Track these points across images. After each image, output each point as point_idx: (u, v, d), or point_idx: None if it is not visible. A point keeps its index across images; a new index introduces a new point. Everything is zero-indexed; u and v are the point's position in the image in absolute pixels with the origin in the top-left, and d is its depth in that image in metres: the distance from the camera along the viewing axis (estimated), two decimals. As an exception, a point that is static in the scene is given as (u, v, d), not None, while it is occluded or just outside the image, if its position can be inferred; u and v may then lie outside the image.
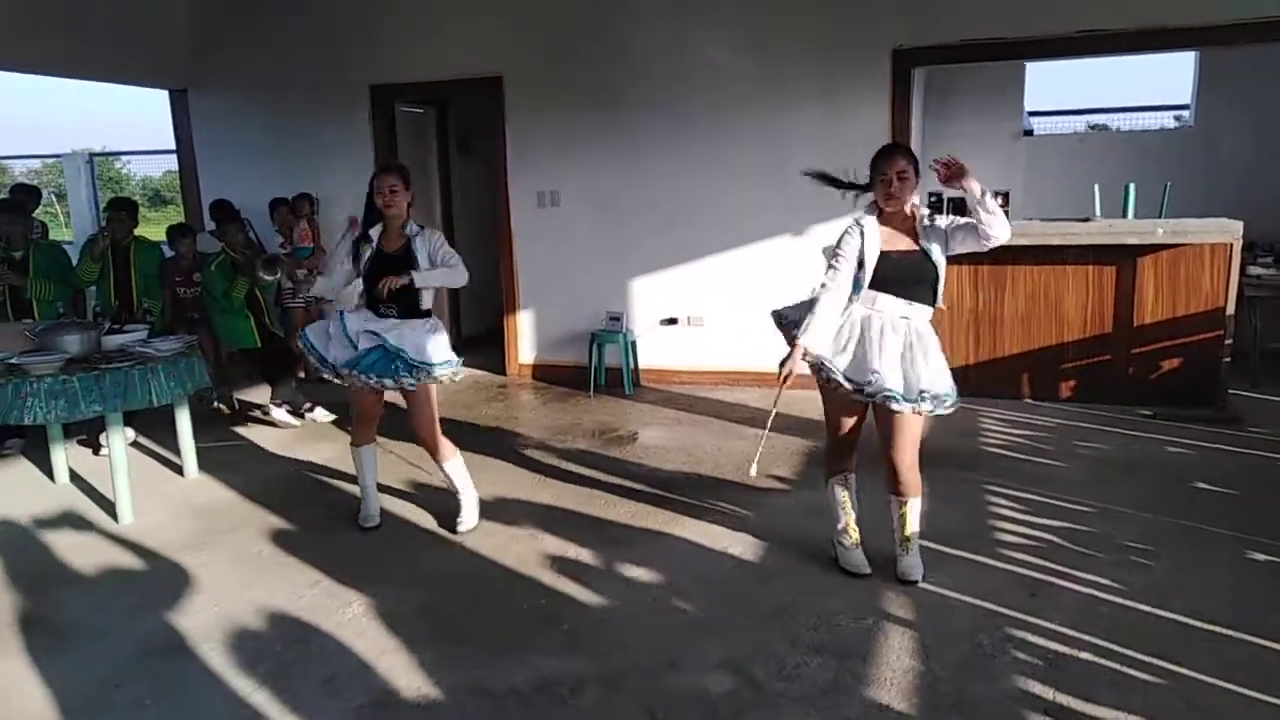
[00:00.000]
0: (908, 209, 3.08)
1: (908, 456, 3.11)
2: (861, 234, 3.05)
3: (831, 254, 3.11)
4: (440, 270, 3.62)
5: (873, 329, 3.04)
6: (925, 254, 3.03)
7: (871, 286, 3.06)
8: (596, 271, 6.42)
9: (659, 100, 6.07)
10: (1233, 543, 3.48)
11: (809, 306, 3.10)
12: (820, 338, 3.04)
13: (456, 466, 3.85)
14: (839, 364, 3.07)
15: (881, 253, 3.04)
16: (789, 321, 3.23)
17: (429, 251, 3.62)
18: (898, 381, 2.99)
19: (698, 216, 6.11)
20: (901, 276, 3.03)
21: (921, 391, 2.98)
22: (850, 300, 3.10)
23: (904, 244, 3.06)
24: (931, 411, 3.02)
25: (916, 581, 3.19)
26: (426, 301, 3.69)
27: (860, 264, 3.05)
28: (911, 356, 3.02)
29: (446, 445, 3.80)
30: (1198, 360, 5.26)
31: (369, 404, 3.79)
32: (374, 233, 3.67)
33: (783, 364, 3.06)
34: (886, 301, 3.05)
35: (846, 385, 3.06)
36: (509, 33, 6.33)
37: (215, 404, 5.88)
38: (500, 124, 6.47)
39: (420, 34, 6.53)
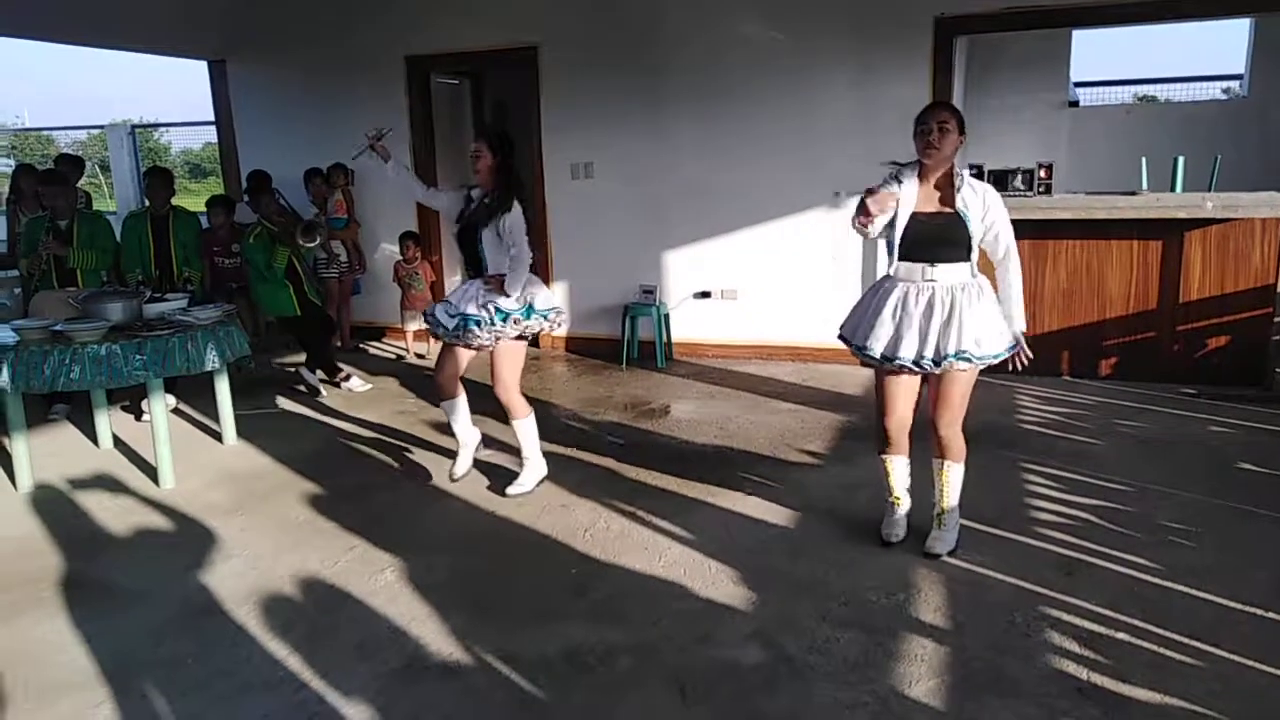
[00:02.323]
0: (952, 167, 3.01)
1: (946, 417, 3.11)
2: (899, 187, 3.00)
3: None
4: (515, 274, 3.72)
5: (895, 299, 3.05)
6: (959, 215, 2.97)
7: (899, 255, 3.05)
8: (630, 244, 6.39)
9: (694, 72, 6.00)
10: (1275, 525, 3.40)
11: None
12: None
13: (523, 427, 3.91)
14: (866, 337, 3.08)
15: (912, 214, 3.00)
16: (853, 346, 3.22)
17: (497, 228, 3.73)
18: (911, 350, 2.99)
19: (732, 189, 6.05)
20: (928, 238, 2.99)
21: (957, 350, 2.96)
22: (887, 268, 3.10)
23: (935, 205, 3.01)
24: (968, 367, 3.00)
25: (939, 556, 3.16)
26: (492, 268, 3.79)
27: (891, 222, 3.02)
28: (935, 317, 2.99)
29: (518, 405, 3.88)
30: (1245, 338, 5.14)
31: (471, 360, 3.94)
32: (475, 194, 3.87)
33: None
34: (911, 268, 3.03)
35: (876, 358, 3.07)
36: (545, 3, 6.28)
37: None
38: (535, 95, 6.43)
39: (456, 4, 6.50)
